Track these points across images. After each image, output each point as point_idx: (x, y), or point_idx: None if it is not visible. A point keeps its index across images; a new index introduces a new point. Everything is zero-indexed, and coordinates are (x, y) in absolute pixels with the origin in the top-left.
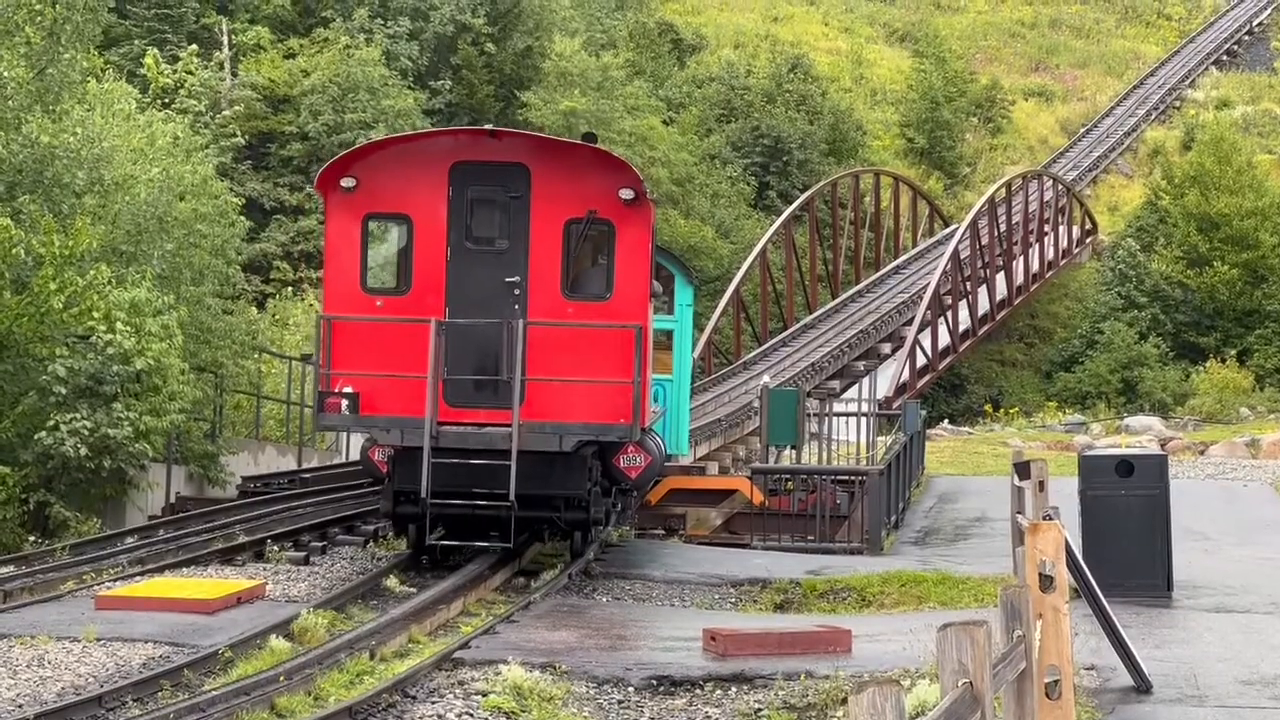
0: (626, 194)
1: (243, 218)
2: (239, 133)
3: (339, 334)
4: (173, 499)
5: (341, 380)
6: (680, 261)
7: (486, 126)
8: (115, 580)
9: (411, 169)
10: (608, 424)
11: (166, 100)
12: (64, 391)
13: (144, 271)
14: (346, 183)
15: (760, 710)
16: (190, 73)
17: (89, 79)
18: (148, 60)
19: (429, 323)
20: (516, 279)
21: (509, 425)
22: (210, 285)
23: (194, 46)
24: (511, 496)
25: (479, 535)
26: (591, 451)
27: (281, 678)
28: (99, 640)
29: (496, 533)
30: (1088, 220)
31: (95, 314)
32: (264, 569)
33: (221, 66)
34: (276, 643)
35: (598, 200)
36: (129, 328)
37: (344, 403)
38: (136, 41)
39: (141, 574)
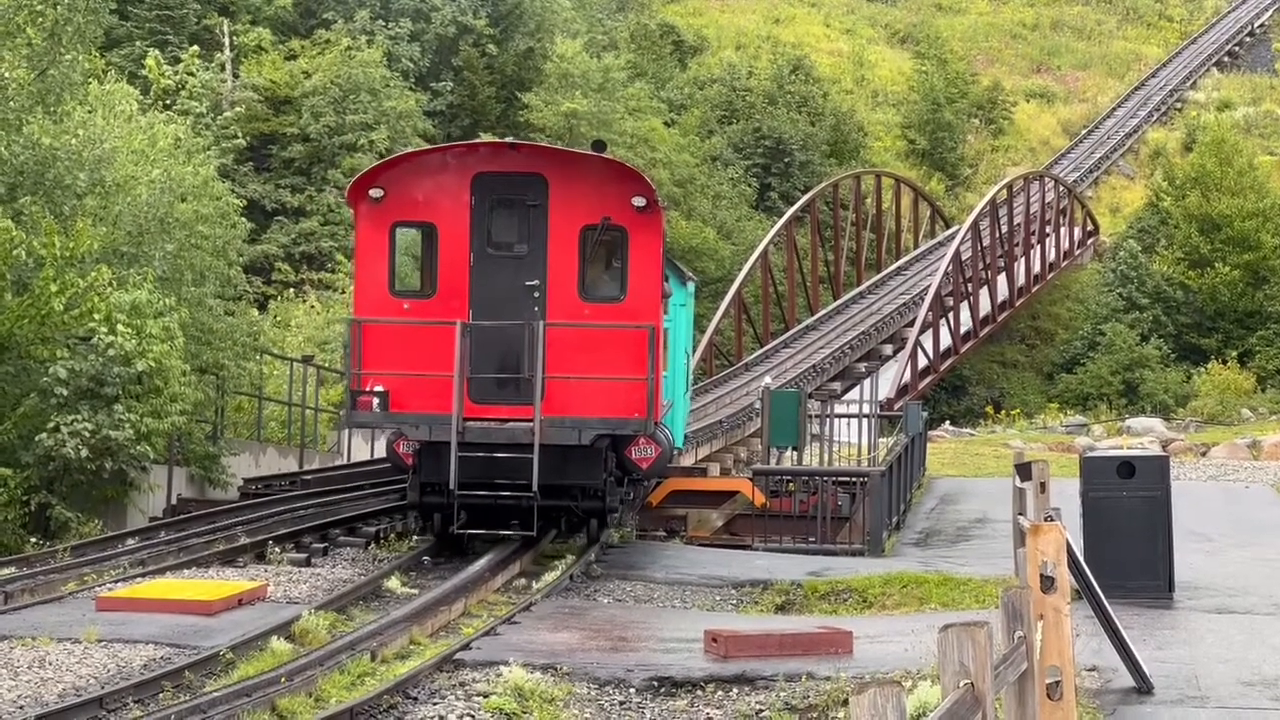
0: (639, 201)
1: (244, 219)
2: (240, 134)
3: (369, 336)
4: (174, 500)
5: (372, 379)
6: (672, 262)
7: (507, 139)
8: (116, 581)
9: (436, 180)
10: (624, 418)
11: (168, 102)
12: (65, 393)
13: (145, 273)
14: (375, 193)
15: (761, 711)
16: (191, 74)
17: (90, 80)
18: (149, 61)
19: (454, 325)
20: (536, 283)
21: (530, 420)
22: (211, 287)
23: (195, 48)
24: (534, 487)
25: (500, 524)
26: (606, 444)
27: (283, 679)
28: (100, 641)
29: (517, 521)
30: (1089, 221)
31: (96, 315)
32: (265, 570)
33: (223, 68)
34: (278, 644)
35: (612, 208)
36: (129, 329)
37: (375, 401)
38: (138, 43)
39: (143, 575)
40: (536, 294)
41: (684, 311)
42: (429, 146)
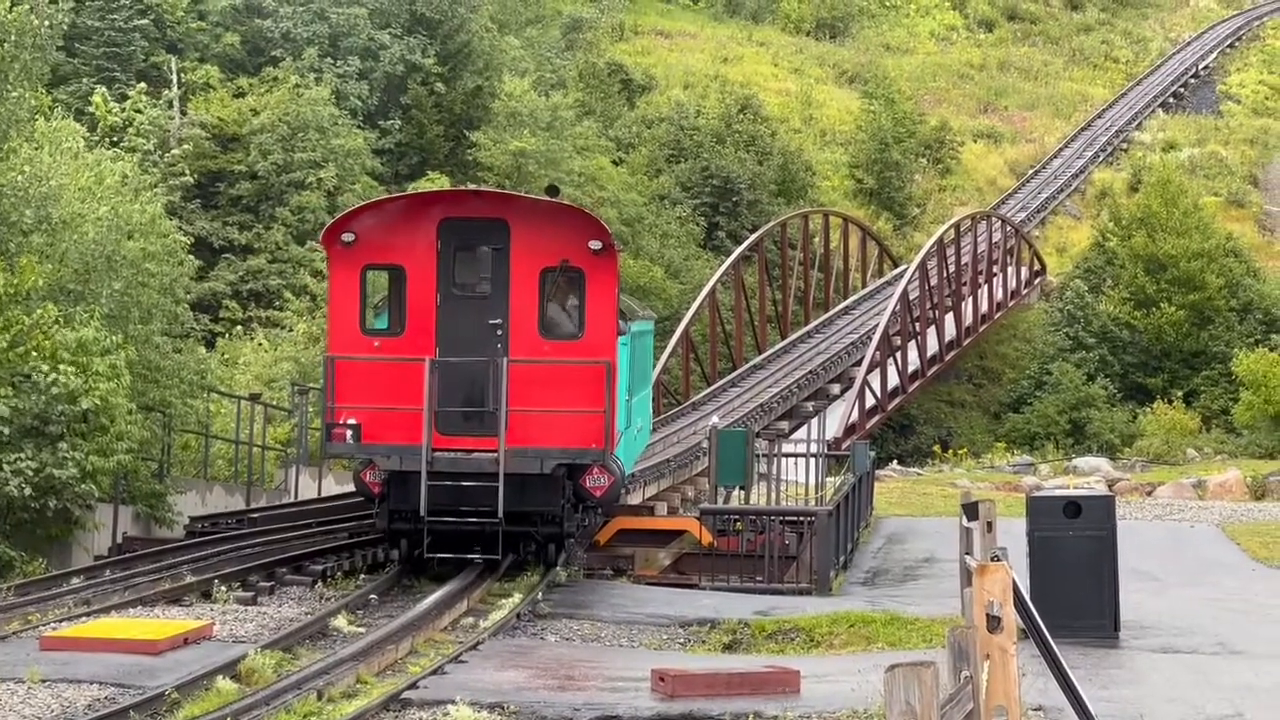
0: (595, 245)
1: (191, 257)
2: (188, 171)
3: (341, 371)
4: (119, 539)
5: (345, 412)
6: None
7: (471, 187)
8: (61, 621)
9: (404, 225)
10: (582, 448)
11: (115, 139)
12: (7, 431)
13: (92, 311)
14: (346, 237)
15: None
16: (139, 111)
17: (37, 117)
18: (96, 98)
19: (423, 361)
20: (499, 321)
21: (494, 451)
22: (159, 324)
23: (143, 85)
24: (499, 514)
25: (464, 549)
26: (563, 473)
27: (229, 719)
28: (44, 682)
29: (479, 546)
30: (1036, 261)
31: (37, 354)
32: (211, 609)
33: (170, 105)
34: (223, 684)
35: (570, 250)
36: (72, 367)
37: (348, 432)
38: (85, 80)
39: (87, 615)
40: (499, 332)
41: (625, 350)
42: (397, 194)
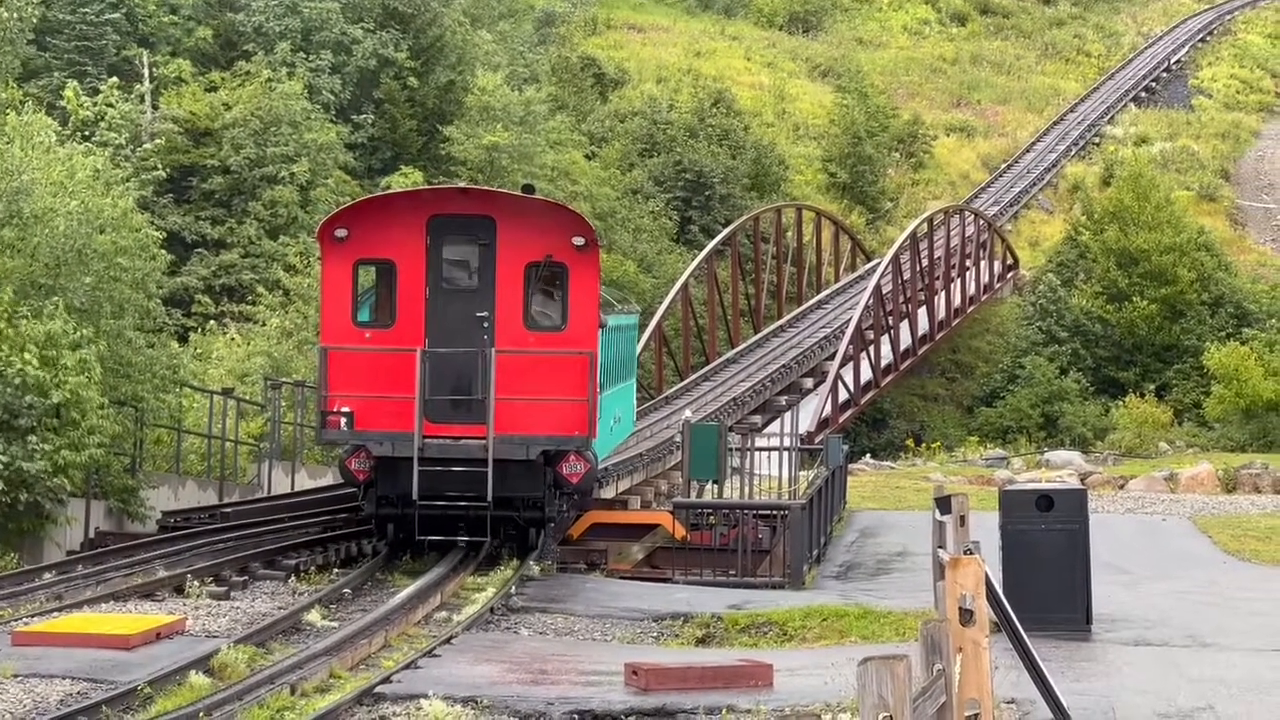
0: (578, 241)
1: (164, 251)
2: (160, 166)
3: (334, 362)
4: (91, 534)
5: (339, 401)
6: None
7: (459, 184)
8: (32, 616)
9: (394, 221)
10: (566, 436)
11: (86, 133)
12: None
13: (57, 304)
14: (339, 233)
15: None
16: (111, 105)
17: (8, 111)
18: (68, 93)
19: (414, 351)
20: (485, 314)
21: (482, 438)
22: (131, 319)
23: (114, 79)
24: (489, 498)
25: (448, 533)
26: (544, 460)
27: (201, 714)
28: (16, 677)
29: (463, 528)
30: (1009, 255)
31: (7, 346)
32: (184, 604)
33: (142, 99)
34: (196, 678)
35: (554, 246)
36: (35, 358)
37: (342, 420)
38: (56, 74)
39: (59, 610)
40: (486, 324)
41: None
42: (388, 192)
